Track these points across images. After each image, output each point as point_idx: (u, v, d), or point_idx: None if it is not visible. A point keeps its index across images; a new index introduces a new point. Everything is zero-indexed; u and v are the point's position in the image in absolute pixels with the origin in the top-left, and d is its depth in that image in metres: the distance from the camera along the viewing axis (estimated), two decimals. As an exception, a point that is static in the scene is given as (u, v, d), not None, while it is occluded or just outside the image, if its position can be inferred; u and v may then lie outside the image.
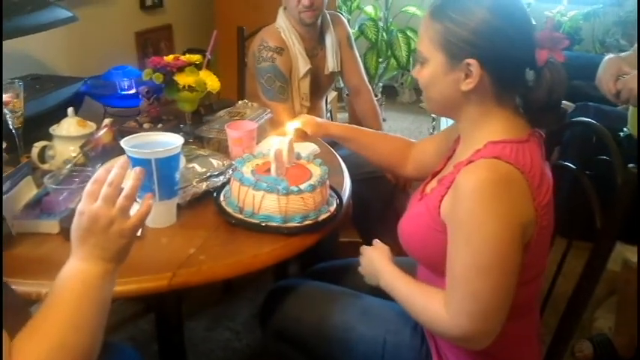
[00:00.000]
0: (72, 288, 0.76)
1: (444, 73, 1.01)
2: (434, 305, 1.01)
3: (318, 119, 1.52)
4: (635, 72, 1.43)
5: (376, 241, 1.24)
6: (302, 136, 1.44)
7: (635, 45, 1.71)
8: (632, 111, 1.61)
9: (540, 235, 0.99)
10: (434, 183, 1.13)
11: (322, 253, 1.52)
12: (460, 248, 0.96)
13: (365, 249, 1.22)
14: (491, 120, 1.02)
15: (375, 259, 1.18)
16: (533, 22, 1.01)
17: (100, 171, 0.82)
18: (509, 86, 1.01)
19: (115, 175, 0.80)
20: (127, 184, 0.81)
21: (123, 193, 0.80)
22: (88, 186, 0.80)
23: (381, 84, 4.37)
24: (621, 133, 1.69)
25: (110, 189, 0.79)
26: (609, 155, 1.08)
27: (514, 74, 1.01)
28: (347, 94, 4.02)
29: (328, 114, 2.43)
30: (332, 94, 3.07)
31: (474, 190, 0.93)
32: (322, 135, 1.50)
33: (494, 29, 0.96)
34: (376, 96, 2.33)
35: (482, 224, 0.93)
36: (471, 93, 1.00)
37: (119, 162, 0.83)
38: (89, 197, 0.79)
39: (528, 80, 1.01)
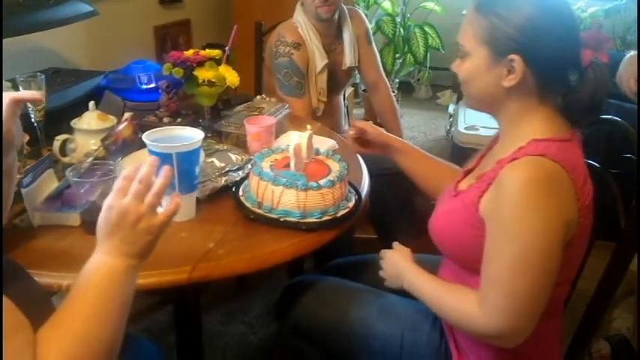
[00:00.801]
0: (96, 282, 0.77)
1: (486, 68, 1.00)
2: (464, 304, 1.01)
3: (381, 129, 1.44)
4: None
5: (396, 244, 1.23)
6: (363, 138, 1.38)
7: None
8: None
9: (580, 235, 0.98)
10: (470, 180, 1.12)
11: (338, 249, 1.52)
12: (501, 247, 0.95)
13: (385, 252, 1.22)
14: (533, 118, 1.01)
15: (397, 261, 1.17)
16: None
17: (130, 168, 0.82)
18: (552, 84, 1.00)
19: (145, 172, 0.81)
20: (156, 182, 0.82)
21: (152, 191, 0.81)
22: (118, 182, 0.81)
23: (397, 80, 4.35)
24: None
25: (140, 186, 0.80)
26: (634, 153, 1.06)
27: (557, 73, 1.00)
28: (363, 90, 4.02)
29: (345, 109, 2.42)
30: (348, 90, 3.06)
31: (520, 188, 0.92)
32: (382, 140, 1.40)
33: (540, 27, 0.95)
34: (392, 92, 2.31)
35: (526, 224, 0.92)
36: (513, 89, 0.99)
37: (149, 160, 0.83)
38: (119, 193, 0.80)
39: (571, 80, 1.00)
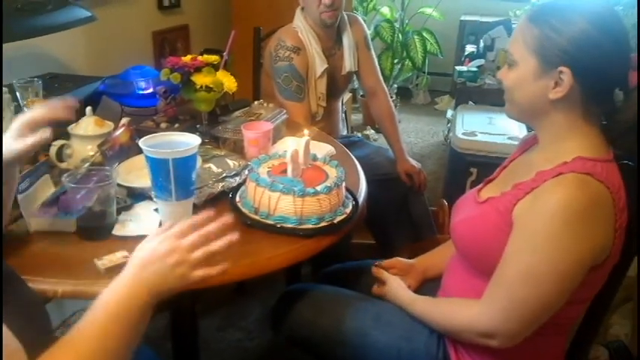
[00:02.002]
0: (110, 313, 0.76)
1: (533, 78, 0.99)
2: (462, 304, 1.06)
3: (408, 261, 1.37)
4: None
5: (387, 276, 1.27)
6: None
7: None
8: None
9: (611, 257, 0.98)
10: (493, 188, 1.12)
11: (335, 254, 1.51)
12: (523, 254, 0.96)
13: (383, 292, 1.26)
14: (577, 133, 1.00)
15: (389, 294, 1.23)
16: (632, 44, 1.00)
17: (201, 218, 0.84)
18: (597, 102, 0.99)
19: (213, 229, 0.83)
20: (215, 243, 0.83)
21: (205, 247, 0.82)
22: (183, 225, 0.83)
23: (395, 85, 4.36)
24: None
25: (200, 238, 0.81)
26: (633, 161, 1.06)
27: (604, 91, 0.99)
28: (361, 96, 4.02)
29: (343, 115, 2.42)
30: (347, 96, 3.07)
31: (562, 207, 0.92)
32: (407, 266, 1.35)
33: (592, 41, 0.95)
34: (391, 97, 2.31)
35: (556, 241, 0.92)
36: (559, 102, 0.98)
37: (224, 219, 0.85)
38: (178, 234, 0.82)
39: (616, 100, 1.00)
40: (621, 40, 0.97)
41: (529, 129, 1.14)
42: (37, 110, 0.98)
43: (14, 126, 0.95)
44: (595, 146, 0.99)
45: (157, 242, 0.81)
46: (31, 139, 0.94)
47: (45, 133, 0.95)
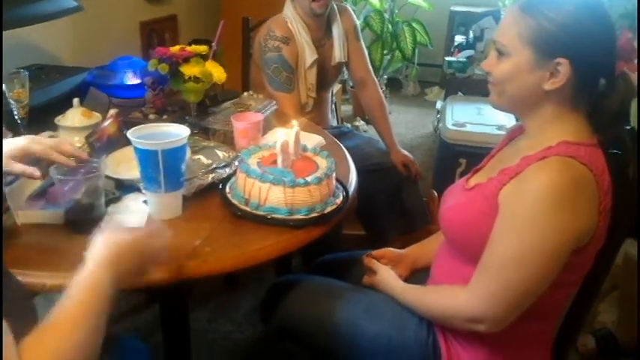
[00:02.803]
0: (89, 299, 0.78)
1: (528, 69, 0.99)
2: (449, 290, 1.07)
3: (398, 251, 1.37)
4: None
5: (378, 266, 1.27)
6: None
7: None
8: (635, 105, 1.60)
9: (595, 240, 0.99)
10: (481, 176, 1.13)
11: (326, 245, 1.52)
12: (508, 235, 0.96)
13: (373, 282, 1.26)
14: (565, 121, 1.01)
15: (380, 284, 1.23)
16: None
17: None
18: (586, 90, 1.00)
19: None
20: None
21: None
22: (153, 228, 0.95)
23: (385, 76, 4.36)
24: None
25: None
26: (621, 150, 1.07)
27: (593, 79, 1.00)
28: (351, 87, 4.01)
29: (333, 106, 2.41)
30: (336, 87, 3.06)
31: (545, 188, 0.92)
32: (397, 256, 1.35)
33: (587, 31, 0.95)
34: (381, 88, 2.31)
35: (541, 222, 0.93)
36: (552, 92, 0.99)
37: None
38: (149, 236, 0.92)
39: (600, 87, 1.01)
40: (610, 30, 0.98)
41: (517, 119, 1.14)
42: (44, 145, 1.06)
43: (17, 144, 1.01)
44: (579, 131, 1.00)
45: (133, 240, 0.87)
46: (18, 168, 1.00)
47: (35, 173, 1.02)
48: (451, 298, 1.06)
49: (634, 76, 1.00)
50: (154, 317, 1.99)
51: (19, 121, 1.37)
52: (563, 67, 0.96)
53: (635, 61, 1.02)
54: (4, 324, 0.66)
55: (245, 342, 1.95)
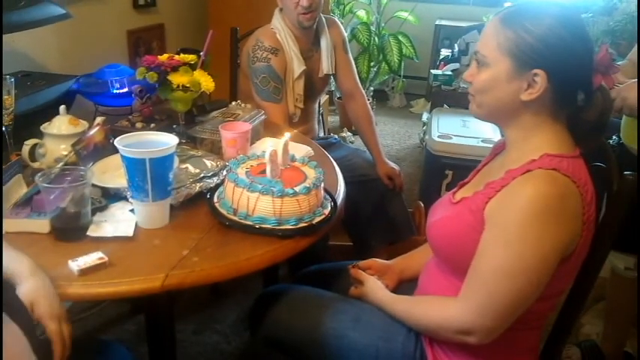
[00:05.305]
0: None
1: (506, 80, 1.00)
2: (438, 301, 1.07)
3: (385, 262, 1.38)
4: (629, 81, 1.44)
5: (366, 277, 1.27)
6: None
7: (629, 54, 1.73)
8: (625, 120, 1.62)
9: (579, 250, 1.00)
10: (467, 190, 1.13)
11: (312, 256, 1.51)
12: (496, 249, 0.97)
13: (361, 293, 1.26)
14: (545, 132, 1.02)
15: (368, 295, 1.23)
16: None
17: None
18: (565, 102, 1.02)
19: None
20: None
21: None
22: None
23: (372, 88, 4.39)
24: (610, 141, 1.70)
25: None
26: (605, 162, 1.08)
27: (572, 91, 1.02)
28: (338, 98, 4.03)
29: (320, 116, 2.42)
30: (323, 98, 3.07)
31: (531, 200, 0.94)
32: (384, 266, 1.36)
33: (565, 44, 0.97)
34: (367, 100, 2.32)
35: (528, 233, 0.94)
36: (530, 103, 1.00)
37: None
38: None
39: (579, 100, 1.03)
40: (588, 43, 1.00)
41: (502, 134, 1.16)
42: None
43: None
44: (561, 143, 1.02)
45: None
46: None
47: None
48: (441, 310, 1.06)
49: (614, 90, 1.03)
50: (138, 328, 1.96)
51: (3, 129, 1.35)
52: (540, 78, 0.97)
53: (612, 75, 1.04)
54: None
55: (231, 353, 1.93)
